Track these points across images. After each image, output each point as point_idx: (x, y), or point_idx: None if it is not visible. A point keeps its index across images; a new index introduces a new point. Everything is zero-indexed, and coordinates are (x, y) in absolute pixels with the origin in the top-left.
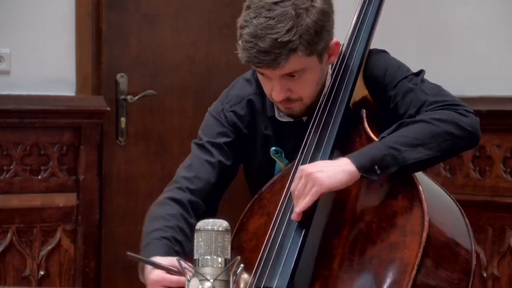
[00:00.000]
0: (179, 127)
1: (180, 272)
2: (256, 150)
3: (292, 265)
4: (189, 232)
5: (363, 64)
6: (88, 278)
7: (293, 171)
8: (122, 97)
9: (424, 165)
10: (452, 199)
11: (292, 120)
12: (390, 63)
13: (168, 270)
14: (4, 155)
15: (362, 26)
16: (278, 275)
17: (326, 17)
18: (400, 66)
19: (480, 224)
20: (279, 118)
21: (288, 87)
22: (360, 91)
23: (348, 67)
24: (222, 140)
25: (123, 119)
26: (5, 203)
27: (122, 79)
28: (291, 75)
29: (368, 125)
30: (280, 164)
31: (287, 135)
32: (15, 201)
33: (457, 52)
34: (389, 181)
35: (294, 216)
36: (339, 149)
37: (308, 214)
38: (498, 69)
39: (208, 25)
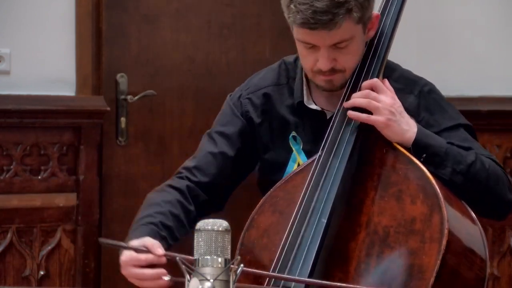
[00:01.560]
0: (179, 127)
1: (148, 251)
2: (271, 139)
3: (311, 265)
4: (185, 218)
5: (382, 69)
6: (88, 278)
7: (311, 172)
8: (122, 97)
9: (450, 186)
10: (467, 207)
11: (319, 109)
12: (451, 105)
13: (136, 250)
14: (4, 155)
15: (381, 35)
16: (296, 275)
17: None
18: (454, 108)
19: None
20: (307, 105)
21: (334, 57)
22: None
23: (368, 74)
24: (230, 129)
25: (123, 119)
26: (5, 203)
27: (122, 79)
28: (339, 44)
29: None
30: (296, 156)
31: (309, 124)
32: (15, 201)
33: (456, 52)
34: (409, 186)
35: (346, 104)
36: (358, 152)
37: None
38: (497, 69)
39: (208, 25)
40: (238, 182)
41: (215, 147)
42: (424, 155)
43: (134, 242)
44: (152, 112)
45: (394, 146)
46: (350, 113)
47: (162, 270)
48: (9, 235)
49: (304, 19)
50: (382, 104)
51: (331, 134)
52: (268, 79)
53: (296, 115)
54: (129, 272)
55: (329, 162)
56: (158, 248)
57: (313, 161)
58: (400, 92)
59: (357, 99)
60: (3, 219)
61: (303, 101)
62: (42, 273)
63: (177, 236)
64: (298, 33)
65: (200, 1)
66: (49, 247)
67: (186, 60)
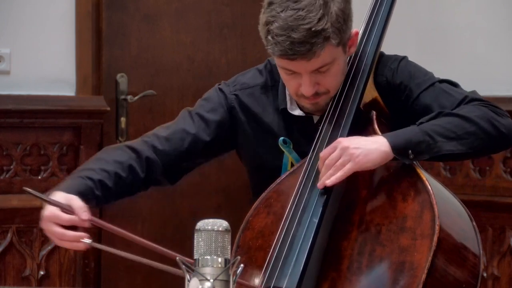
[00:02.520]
0: None
1: (73, 212)
2: (258, 141)
3: (302, 265)
4: (130, 183)
5: (373, 66)
6: (88, 278)
7: (303, 171)
8: (122, 97)
9: (453, 158)
10: (460, 203)
11: (303, 114)
12: (418, 68)
13: (62, 208)
14: (4, 155)
15: (373, 28)
16: (287, 275)
17: (349, 4)
18: (427, 72)
19: (480, 224)
20: (290, 111)
21: (317, 81)
22: (370, 92)
23: (359, 69)
24: (211, 116)
25: (123, 119)
26: (5, 203)
27: (122, 79)
28: (320, 69)
29: (378, 126)
30: (287, 155)
31: (297, 129)
32: (15, 201)
33: (456, 53)
34: (400, 184)
35: (321, 185)
36: None
37: (323, 208)
38: (497, 70)
39: (208, 25)
40: (198, 166)
41: (192, 127)
42: (410, 151)
43: (61, 195)
44: (152, 112)
45: None
46: (320, 185)
47: (83, 233)
48: (9, 235)
49: (283, 51)
50: (342, 155)
51: (321, 136)
52: (256, 79)
53: (283, 120)
54: (50, 229)
55: None
56: (83, 212)
57: (305, 162)
58: (377, 77)
59: (328, 176)
60: (3, 219)
61: (286, 107)
62: (42, 273)
63: (112, 200)
64: (278, 61)
65: (200, 1)
66: (49, 247)
67: (186, 60)
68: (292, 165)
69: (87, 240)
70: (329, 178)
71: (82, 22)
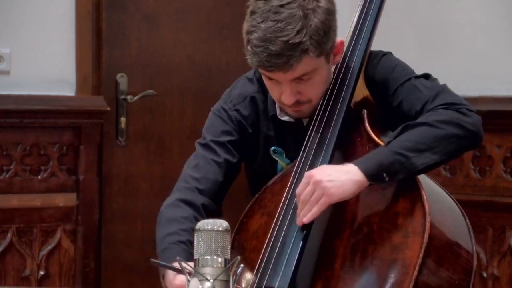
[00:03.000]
0: (179, 127)
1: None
2: (258, 149)
3: (294, 265)
4: None
5: (364, 64)
6: (88, 278)
7: (294, 170)
8: (122, 97)
9: (431, 169)
10: (453, 200)
11: (293, 120)
12: (398, 63)
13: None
14: (4, 155)
15: (363, 26)
16: (279, 275)
17: (331, 16)
18: (407, 67)
19: (480, 224)
20: (280, 117)
21: (298, 90)
22: (361, 91)
23: (349, 67)
24: (225, 138)
25: (123, 119)
26: (5, 203)
27: (122, 79)
28: (300, 78)
29: (369, 125)
30: (281, 163)
31: (287, 134)
32: (15, 201)
33: (456, 51)
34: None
35: (299, 222)
36: (341, 149)
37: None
38: (497, 69)
39: (208, 25)
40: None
41: (217, 155)
42: (384, 174)
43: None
44: (152, 112)
45: (376, 143)
46: (299, 222)
47: None
48: (9, 235)
49: (260, 62)
50: (315, 189)
51: (311, 137)
52: (249, 87)
53: (274, 126)
54: None
55: (311, 162)
56: None
57: (296, 162)
58: (364, 73)
59: (305, 213)
60: (3, 219)
61: (275, 114)
62: (42, 273)
63: None
64: (259, 69)
65: (200, 1)
66: (49, 247)
67: (186, 60)
68: None
69: None
70: (306, 214)
71: (82, 22)
